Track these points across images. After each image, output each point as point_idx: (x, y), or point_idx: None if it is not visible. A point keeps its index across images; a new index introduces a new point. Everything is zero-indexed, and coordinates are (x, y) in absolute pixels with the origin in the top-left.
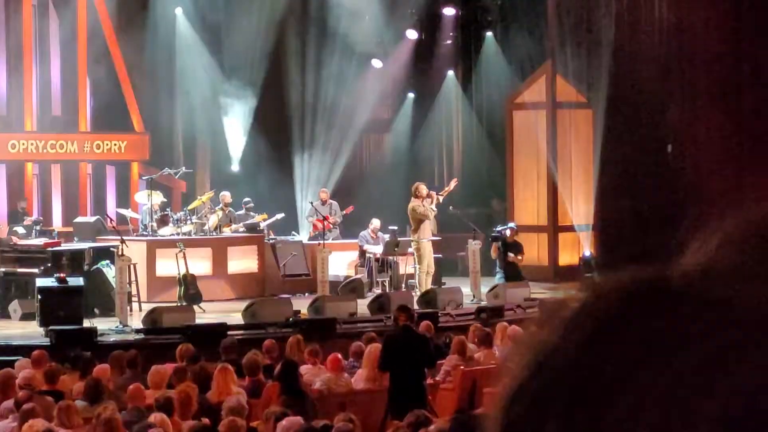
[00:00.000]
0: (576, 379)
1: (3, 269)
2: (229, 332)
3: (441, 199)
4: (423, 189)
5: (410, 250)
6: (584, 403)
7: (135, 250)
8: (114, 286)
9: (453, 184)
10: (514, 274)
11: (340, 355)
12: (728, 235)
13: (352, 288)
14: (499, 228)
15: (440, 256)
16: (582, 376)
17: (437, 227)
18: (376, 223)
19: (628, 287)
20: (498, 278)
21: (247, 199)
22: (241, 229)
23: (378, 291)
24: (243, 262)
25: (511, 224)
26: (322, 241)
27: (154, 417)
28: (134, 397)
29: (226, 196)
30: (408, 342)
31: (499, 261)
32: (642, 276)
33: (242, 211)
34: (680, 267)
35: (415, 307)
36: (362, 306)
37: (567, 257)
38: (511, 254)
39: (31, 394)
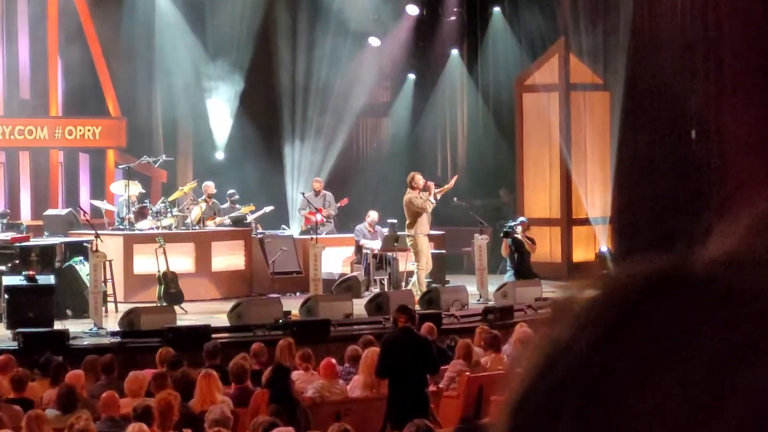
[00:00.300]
0: (589, 378)
1: None
2: (214, 335)
3: (438, 196)
4: (419, 179)
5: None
6: (598, 403)
7: (110, 246)
8: (88, 284)
9: (453, 181)
10: (526, 271)
11: (334, 360)
12: (755, 223)
13: (347, 287)
14: (511, 223)
15: (444, 252)
16: (595, 375)
17: (430, 222)
18: (373, 215)
19: (646, 278)
20: (508, 276)
21: (232, 191)
22: (227, 223)
23: (376, 290)
24: (228, 258)
25: (522, 218)
26: (314, 236)
27: (132, 427)
28: (108, 406)
29: (209, 186)
30: (409, 345)
31: (509, 258)
32: (661, 266)
33: (227, 204)
34: (702, 256)
35: (417, 307)
36: (359, 306)
37: (582, 253)
38: (527, 241)
39: None
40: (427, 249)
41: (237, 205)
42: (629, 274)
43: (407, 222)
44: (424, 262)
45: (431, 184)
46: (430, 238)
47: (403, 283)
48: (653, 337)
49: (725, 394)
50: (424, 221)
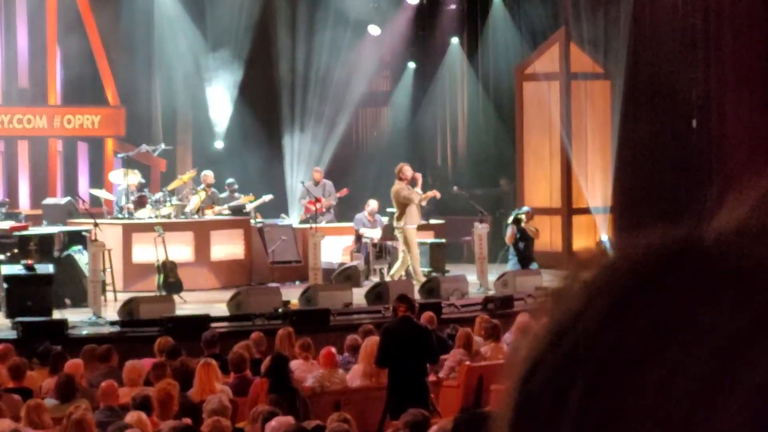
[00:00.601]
0: (601, 349)
1: None
2: (213, 324)
3: (424, 203)
4: (408, 170)
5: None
6: (609, 374)
7: (109, 235)
8: (86, 273)
9: (432, 194)
10: (529, 260)
11: (334, 350)
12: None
13: (347, 276)
14: (518, 211)
15: (444, 241)
16: (607, 346)
17: (420, 214)
18: (373, 204)
19: (655, 250)
20: (512, 264)
21: (231, 180)
22: (226, 212)
23: (375, 279)
24: (227, 247)
25: (526, 207)
26: (314, 225)
27: (131, 416)
28: (108, 395)
29: (208, 176)
30: (408, 335)
31: (513, 246)
32: (670, 238)
33: (226, 194)
34: (713, 227)
35: (416, 296)
36: (358, 295)
37: (582, 242)
38: (531, 228)
39: None
40: (414, 242)
41: (236, 194)
42: (637, 246)
43: (396, 213)
44: (416, 253)
45: (418, 175)
46: (430, 227)
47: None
48: (663, 310)
49: (738, 370)
50: (413, 212)
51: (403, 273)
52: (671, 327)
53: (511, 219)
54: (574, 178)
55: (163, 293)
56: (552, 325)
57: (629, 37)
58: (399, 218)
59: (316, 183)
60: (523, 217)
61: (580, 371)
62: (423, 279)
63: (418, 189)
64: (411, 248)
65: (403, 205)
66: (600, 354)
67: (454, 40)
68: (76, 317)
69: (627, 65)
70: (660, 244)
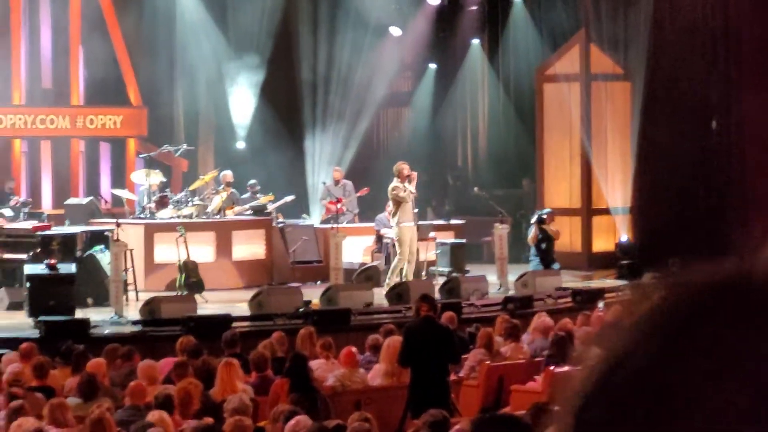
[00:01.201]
0: (656, 384)
1: None
2: (234, 324)
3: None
4: (404, 169)
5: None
6: (664, 409)
7: (131, 235)
8: (108, 273)
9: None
10: (550, 260)
11: (354, 349)
12: None
13: (368, 276)
14: (541, 212)
15: (464, 241)
16: (662, 381)
17: (415, 214)
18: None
19: (708, 285)
20: (534, 265)
21: (253, 181)
22: (247, 212)
23: (396, 279)
24: (249, 247)
25: (547, 209)
26: (335, 225)
27: (153, 415)
28: (135, 395)
29: (227, 175)
30: (430, 334)
31: (536, 247)
32: (721, 273)
33: (248, 194)
34: (761, 262)
35: (436, 296)
36: (379, 295)
37: (602, 243)
38: (552, 229)
39: (20, 391)
40: (412, 240)
41: (258, 195)
42: (689, 282)
43: (391, 211)
44: (405, 253)
45: (414, 174)
46: (450, 227)
47: (424, 272)
48: (716, 346)
49: None
50: (408, 211)
51: (411, 270)
52: (724, 363)
53: (534, 219)
54: (594, 179)
55: (185, 293)
56: (607, 360)
57: (649, 38)
58: (393, 215)
59: (336, 183)
60: (545, 217)
61: (635, 405)
62: (396, 280)
63: (412, 187)
64: (402, 246)
65: (398, 203)
66: (655, 389)
67: (475, 42)
68: (98, 316)
69: (647, 66)
70: (710, 280)
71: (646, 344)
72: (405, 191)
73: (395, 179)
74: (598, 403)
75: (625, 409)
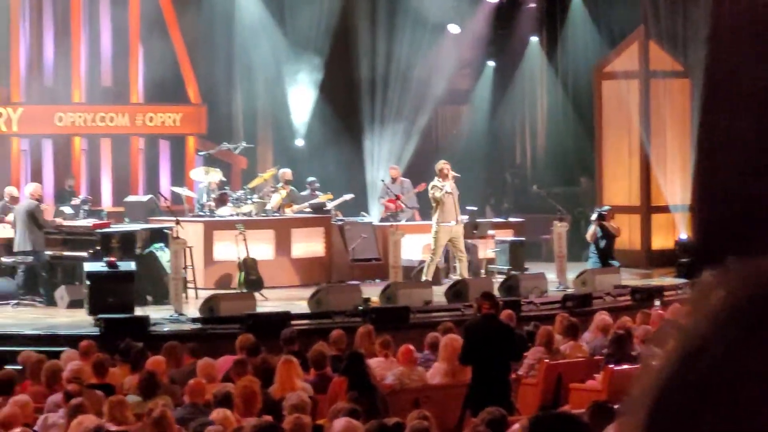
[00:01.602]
0: (732, 375)
1: (49, 253)
2: (293, 321)
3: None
4: (445, 168)
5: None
6: (741, 399)
7: (191, 232)
8: (168, 271)
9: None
10: (610, 257)
11: (412, 347)
12: None
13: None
14: (601, 209)
15: (523, 239)
16: (739, 372)
17: (456, 212)
18: None
19: None
20: (592, 263)
21: (312, 178)
22: (306, 210)
23: (455, 277)
24: (308, 245)
25: (606, 206)
26: (394, 223)
27: (217, 413)
28: (195, 393)
29: (286, 173)
30: (492, 332)
31: (595, 244)
32: None
33: (307, 192)
34: None
35: (496, 294)
36: (438, 293)
37: (661, 240)
38: (613, 226)
39: (80, 388)
40: (456, 240)
41: (317, 192)
42: (760, 273)
43: (433, 209)
44: (438, 253)
45: (450, 174)
46: (509, 225)
47: (483, 270)
48: None
49: None
50: (446, 210)
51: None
52: None
53: (594, 217)
54: (653, 176)
55: (244, 290)
56: (681, 353)
57: (708, 33)
58: (434, 214)
59: (394, 180)
60: (605, 214)
61: (712, 397)
62: (427, 278)
63: (448, 187)
64: (436, 247)
65: (436, 202)
66: (731, 380)
67: (534, 39)
68: (157, 314)
69: (706, 60)
70: None
71: (721, 336)
72: (441, 191)
73: (436, 178)
74: (673, 396)
75: (702, 400)
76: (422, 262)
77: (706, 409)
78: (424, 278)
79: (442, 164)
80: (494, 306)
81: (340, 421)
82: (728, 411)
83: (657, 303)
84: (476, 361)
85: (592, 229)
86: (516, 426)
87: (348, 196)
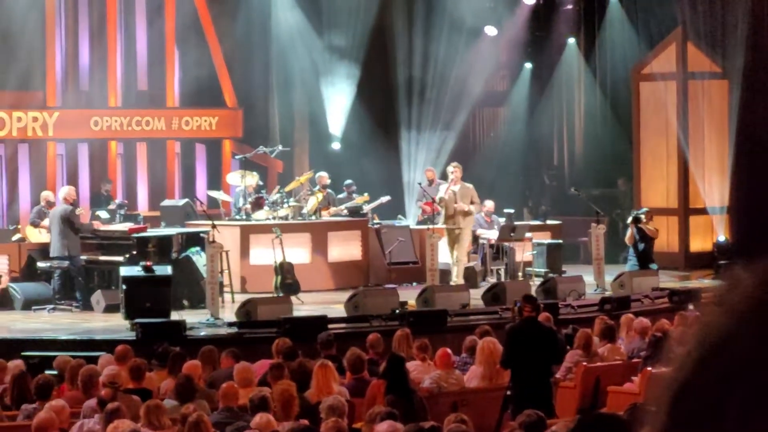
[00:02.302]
0: (756, 368)
1: (85, 257)
2: (330, 325)
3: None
4: (449, 171)
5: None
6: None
7: (227, 236)
8: (204, 275)
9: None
10: (648, 260)
11: (449, 350)
12: None
13: (464, 277)
14: (637, 211)
15: (561, 241)
16: (763, 365)
17: (453, 215)
18: (489, 205)
19: None
20: (630, 265)
21: (349, 181)
22: (343, 213)
23: (492, 280)
24: (345, 248)
25: (644, 208)
26: (431, 226)
27: (260, 418)
28: (228, 396)
29: (323, 177)
30: (534, 336)
31: (633, 247)
32: None
33: (344, 195)
34: None
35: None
36: (475, 296)
37: (699, 243)
38: (651, 229)
39: (116, 393)
40: (455, 244)
41: (354, 195)
42: None
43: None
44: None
45: (450, 175)
46: (547, 227)
47: (520, 273)
48: None
49: None
50: (444, 214)
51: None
52: None
53: (630, 220)
54: (691, 179)
55: (281, 294)
56: (703, 348)
57: (747, 32)
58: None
59: (430, 183)
60: (642, 217)
61: (736, 390)
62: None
63: (441, 191)
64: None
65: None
66: (756, 373)
67: (571, 40)
68: (193, 318)
69: (745, 61)
70: None
71: (744, 330)
72: (444, 193)
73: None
74: (696, 390)
75: (726, 394)
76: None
77: (730, 402)
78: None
79: (448, 168)
80: (536, 309)
81: (383, 424)
82: (752, 404)
83: (690, 306)
84: (517, 364)
85: (630, 233)
86: (553, 428)
87: (384, 199)
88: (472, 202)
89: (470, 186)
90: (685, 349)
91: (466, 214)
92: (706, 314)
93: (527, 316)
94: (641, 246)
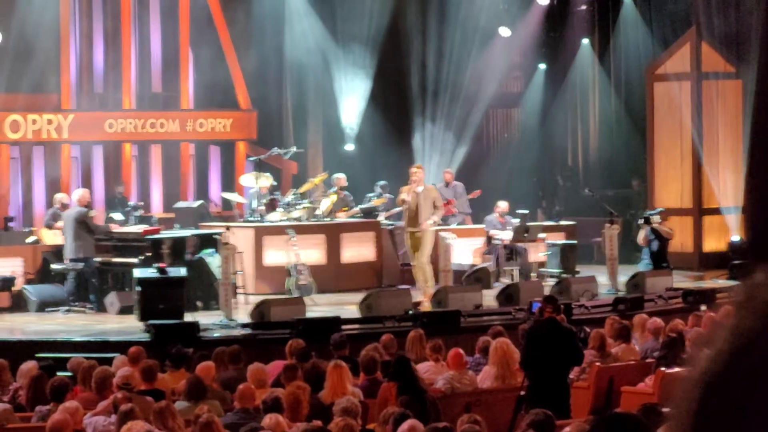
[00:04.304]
0: None
1: (99, 259)
2: (344, 326)
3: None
4: (411, 172)
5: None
6: None
7: (241, 238)
8: (218, 276)
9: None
10: (662, 260)
11: (462, 351)
12: None
13: (477, 278)
14: (650, 212)
15: (574, 242)
16: None
17: (418, 218)
18: (503, 205)
19: None
20: (643, 265)
21: (383, 182)
22: (359, 215)
23: (506, 281)
24: (358, 250)
25: (659, 208)
26: (445, 227)
27: (269, 418)
28: (245, 398)
29: (341, 178)
30: (554, 337)
31: (648, 247)
32: None
33: (374, 194)
34: None
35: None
36: (489, 297)
37: (713, 243)
38: (665, 230)
39: (130, 394)
40: (416, 247)
41: (385, 196)
42: None
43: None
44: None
45: (413, 176)
46: (560, 228)
47: (534, 274)
48: None
49: None
50: (408, 216)
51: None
52: None
53: (641, 221)
54: (705, 179)
55: (295, 295)
56: (730, 348)
57: (761, 35)
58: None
59: (447, 184)
60: (654, 218)
61: (761, 391)
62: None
63: (405, 194)
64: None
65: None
66: None
67: (585, 41)
68: (207, 320)
69: (759, 62)
70: None
71: None
72: (407, 194)
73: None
74: (723, 389)
75: (754, 393)
76: (473, 266)
77: (755, 403)
78: (430, 283)
79: (411, 168)
80: (556, 310)
81: (405, 424)
82: None
83: (702, 307)
84: (537, 365)
85: (643, 233)
86: (567, 429)
87: (396, 210)
88: (435, 205)
89: (433, 187)
90: (710, 349)
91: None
92: (732, 315)
93: (548, 317)
94: (655, 246)
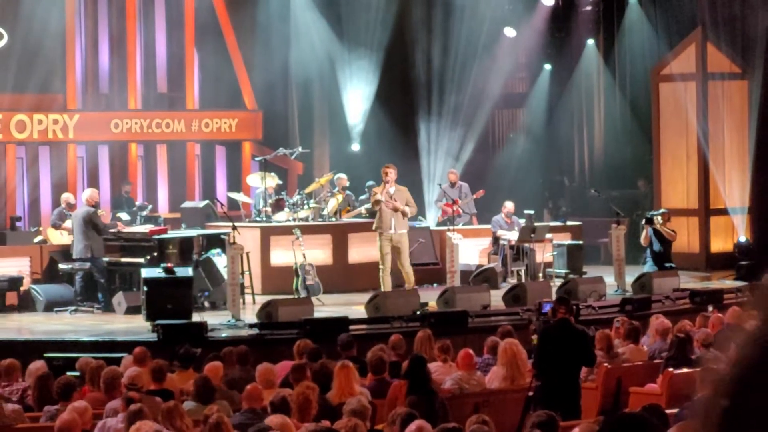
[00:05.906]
0: None
1: (106, 259)
2: (351, 327)
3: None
4: (384, 172)
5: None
6: None
7: (248, 238)
8: (225, 276)
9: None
10: (665, 261)
11: (471, 351)
12: None
13: (484, 278)
14: (651, 213)
15: (581, 242)
16: None
17: (395, 221)
18: (509, 206)
19: None
20: (647, 266)
21: (371, 182)
22: (363, 214)
23: (513, 281)
24: (365, 250)
25: (661, 209)
26: (451, 227)
27: (274, 418)
28: (252, 398)
29: (343, 179)
30: (567, 338)
31: (649, 248)
32: None
33: (365, 195)
34: None
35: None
36: (496, 297)
37: (720, 243)
38: (668, 230)
39: (139, 395)
40: (396, 250)
41: None
42: None
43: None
44: (386, 263)
45: (386, 177)
46: (567, 229)
47: (541, 274)
48: None
49: None
50: (382, 218)
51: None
52: None
53: (644, 221)
54: (711, 179)
55: (302, 296)
56: (753, 354)
57: (766, 35)
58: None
59: (452, 185)
60: (656, 218)
61: None
62: (385, 289)
63: (380, 195)
64: (381, 256)
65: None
66: None
67: (590, 42)
68: (215, 320)
69: (765, 64)
70: None
71: None
72: (381, 195)
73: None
74: (749, 395)
75: None
76: (480, 266)
77: None
78: (382, 289)
79: (384, 168)
80: (570, 311)
81: (413, 424)
82: None
83: (716, 306)
84: (549, 366)
85: (644, 234)
86: (576, 430)
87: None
88: (407, 205)
89: (405, 188)
90: (739, 348)
91: (404, 215)
92: (749, 322)
93: (560, 318)
94: (657, 247)
